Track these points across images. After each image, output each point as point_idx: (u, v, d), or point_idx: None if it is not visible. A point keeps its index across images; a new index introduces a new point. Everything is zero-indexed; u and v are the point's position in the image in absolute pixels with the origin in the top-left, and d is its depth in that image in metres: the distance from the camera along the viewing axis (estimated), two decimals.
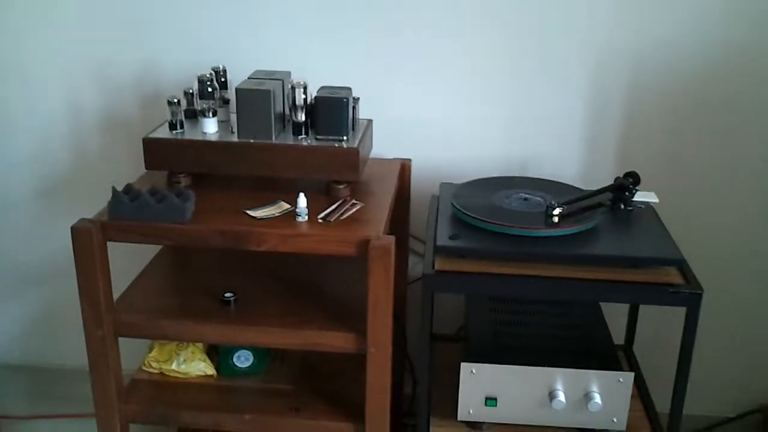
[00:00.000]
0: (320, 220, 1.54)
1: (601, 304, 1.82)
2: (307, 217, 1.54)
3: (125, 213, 1.52)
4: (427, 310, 1.52)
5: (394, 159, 1.91)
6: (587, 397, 1.55)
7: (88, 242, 1.51)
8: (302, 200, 1.53)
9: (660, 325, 1.99)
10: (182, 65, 1.95)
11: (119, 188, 1.56)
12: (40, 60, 2.01)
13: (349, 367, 1.80)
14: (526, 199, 1.64)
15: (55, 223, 2.16)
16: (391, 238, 1.47)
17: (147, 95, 2.01)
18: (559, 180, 1.77)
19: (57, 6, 1.96)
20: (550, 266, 1.48)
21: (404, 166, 1.89)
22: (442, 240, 1.51)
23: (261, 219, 1.54)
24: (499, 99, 1.92)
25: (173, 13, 1.93)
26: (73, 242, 1.51)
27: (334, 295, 1.71)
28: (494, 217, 1.54)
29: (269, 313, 1.62)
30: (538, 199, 1.64)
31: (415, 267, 2.06)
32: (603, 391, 1.55)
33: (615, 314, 1.86)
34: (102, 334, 1.58)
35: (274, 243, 1.50)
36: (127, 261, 1.93)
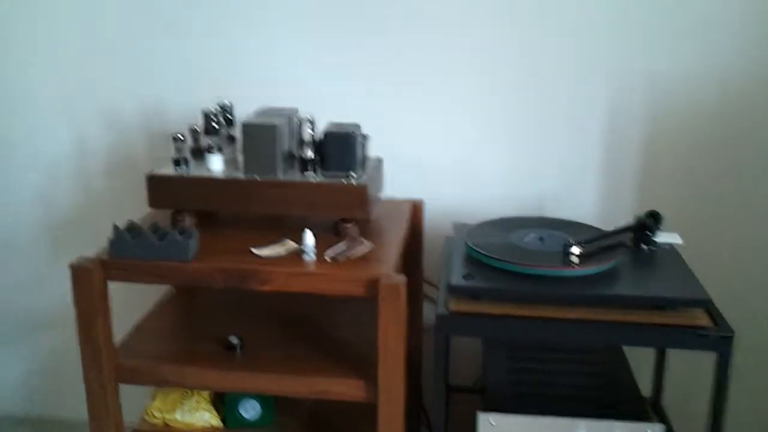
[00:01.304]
0: (328, 259, 1.47)
1: (626, 350, 1.73)
2: (314, 256, 1.47)
3: (126, 251, 1.47)
4: (441, 355, 1.44)
5: (405, 199, 1.85)
6: None
7: (88, 281, 1.46)
8: (309, 237, 1.47)
9: (689, 372, 1.89)
10: (189, 104, 1.92)
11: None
12: (46, 100, 1.99)
13: (361, 418, 1.71)
14: (542, 238, 1.57)
15: (58, 267, 2.10)
16: (402, 277, 1.40)
17: (154, 134, 1.98)
18: (577, 221, 1.70)
19: (63, 47, 1.95)
20: (569, 308, 1.40)
21: (416, 207, 1.83)
22: (456, 279, 1.44)
23: (266, 258, 1.48)
24: (513, 138, 1.87)
25: (179, 51, 1.91)
26: (72, 281, 1.46)
27: (344, 340, 1.64)
28: (510, 256, 1.46)
29: (276, 358, 1.55)
30: (556, 238, 1.56)
31: (431, 314, 1.98)
32: None
33: (641, 361, 1.76)
34: (102, 380, 1.51)
35: (279, 282, 1.43)
36: (132, 305, 1.88)
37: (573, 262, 1.45)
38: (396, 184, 1.88)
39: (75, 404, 2.11)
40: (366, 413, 1.71)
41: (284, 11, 1.86)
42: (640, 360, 1.77)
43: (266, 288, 1.44)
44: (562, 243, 1.50)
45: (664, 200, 1.82)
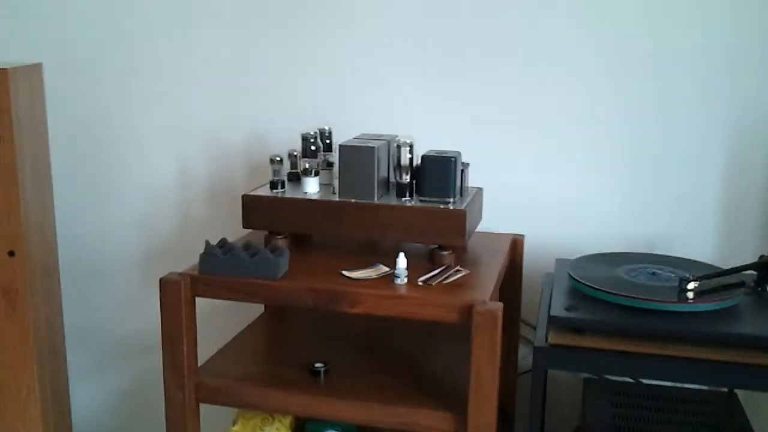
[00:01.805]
0: (420, 283, 1.40)
1: (743, 401, 1.57)
2: (406, 280, 1.41)
3: (216, 267, 1.45)
4: (538, 392, 1.33)
5: (505, 234, 1.77)
6: None
7: (176, 296, 1.43)
8: (402, 261, 1.41)
9: None
10: (292, 135, 1.91)
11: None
12: (152, 128, 2.03)
13: None
14: (654, 273, 1.45)
15: (152, 294, 2.11)
16: (499, 305, 1.31)
17: (254, 163, 1.98)
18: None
19: (169, 80, 1.98)
20: (683, 346, 1.27)
21: (516, 242, 1.74)
22: (558, 311, 1.34)
23: (357, 279, 1.42)
24: (624, 176, 1.76)
25: (281, 80, 1.92)
26: (160, 295, 1.45)
27: (434, 371, 1.55)
28: (618, 289, 1.35)
29: (361, 387, 1.48)
30: (670, 274, 1.44)
31: (527, 358, 1.87)
32: None
33: (756, 411, 1.59)
34: (182, 398, 1.47)
35: (369, 305, 1.37)
36: (222, 329, 1.86)
37: (689, 298, 1.33)
38: (496, 219, 1.80)
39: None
40: None
41: (390, 46, 1.84)
42: (756, 410, 1.60)
43: (356, 310, 1.38)
44: (678, 278, 1.37)
45: None
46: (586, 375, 1.73)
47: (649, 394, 1.61)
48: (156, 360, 2.12)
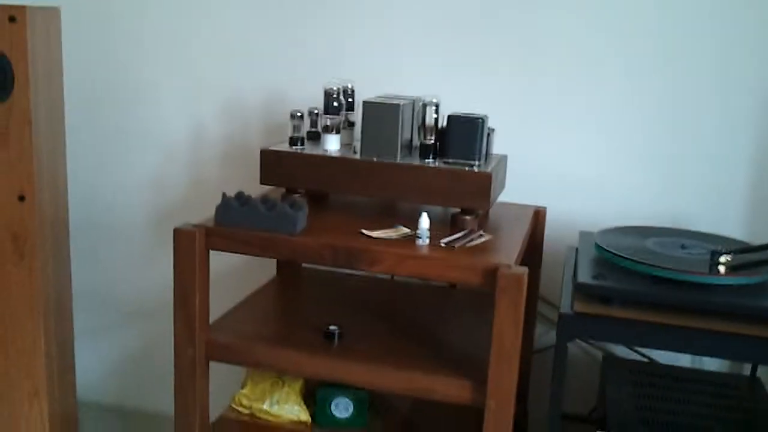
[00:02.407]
0: (443, 245, 1.35)
1: (766, 383, 1.53)
2: (428, 241, 1.36)
3: (233, 219, 1.40)
4: (560, 362, 1.29)
5: (527, 205, 1.72)
6: None
7: (190, 247, 1.39)
8: (425, 221, 1.36)
9: None
10: (311, 95, 1.87)
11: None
12: (169, 91, 1.98)
13: (462, 428, 1.57)
14: (684, 246, 1.40)
15: (161, 254, 2.08)
16: (524, 269, 1.27)
17: (272, 124, 1.93)
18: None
19: (187, 42, 1.94)
20: (711, 319, 1.23)
21: (538, 214, 1.70)
22: (585, 278, 1.29)
23: (377, 239, 1.37)
24: (649, 147, 1.71)
25: (303, 41, 1.87)
26: (174, 246, 1.40)
27: (451, 339, 1.50)
28: (648, 259, 1.31)
29: (376, 351, 1.43)
30: (699, 248, 1.40)
31: (544, 336, 1.83)
32: None
33: None
34: (193, 354, 1.43)
35: (389, 264, 1.32)
36: (233, 291, 1.82)
37: (721, 271, 1.28)
38: (517, 191, 1.75)
39: (164, 397, 2.08)
40: (467, 421, 1.57)
41: (416, 7, 1.78)
42: None
43: (375, 269, 1.33)
44: (709, 251, 1.33)
45: None
46: (604, 353, 1.68)
47: (670, 374, 1.57)
48: (163, 322, 2.10)
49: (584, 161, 1.75)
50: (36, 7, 1.46)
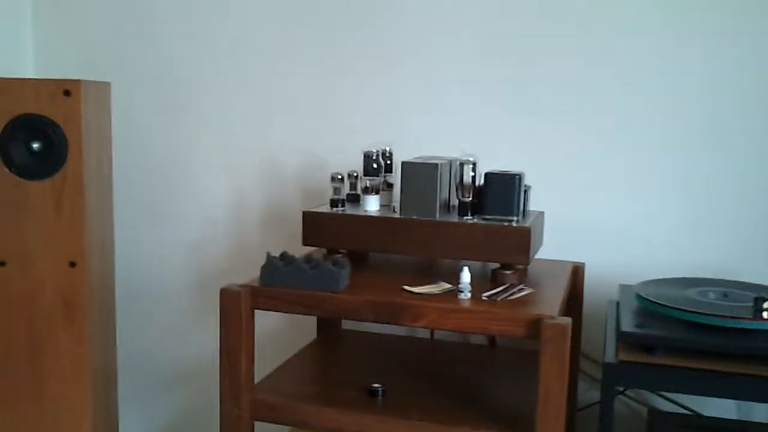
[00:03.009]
0: (485, 298, 1.37)
1: None
2: (470, 295, 1.38)
3: (278, 278, 1.44)
4: (608, 413, 1.29)
5: (566, 261, 1.74)
6: None
7: (236, 307, 1.42)
8: (466, 275, 1.38)
9: None
10: (348, 159, 1.92)
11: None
12: (206, 154, 2.05)
13: None
14: (726, 294, 1.41)
15: (204, 321, 2.11)
16: (568, 319, 1.28)
17: (310, 190, 1.98)
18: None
19: (229, 107, 2.01)
20: (756, 366, 1.22)
21: (577, 270, 1.71)
22: (628, 327, 1.30)
23: (420, 294, 1.40)
24: (686, 200, 1.73)
25: (341, 106, 1.93)
26: (220, 306, 1.43)
27: (494, 397, 1.50)
28: (691, 306, 1.31)
29: (420, 408, 1.44)
30: (742, 297, 1.40)
31: (587, 393, 1.82)
32: None
33: None
34: (238, 414, 1.44)
35: (432, 318, 1.34)
36: (275, 353, 1.84)
37: (765, 317, 1.28)
38: (555, 247, 1.78)
39: None
40: None
41: (447, 66, 1.85)
42: None
43: (418, 324, 1.35)
44: (752, 297, 1.33)
45: None
46: (649, 408, 1.67)
47: (719, 426, 1.54)
48: (205, 387, 2.11)
49: (622, 216, 1.77)
50: (89, 81, 1.54)
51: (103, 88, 1.62)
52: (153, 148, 2.09)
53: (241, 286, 1.44)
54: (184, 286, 2.12)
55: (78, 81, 1.52)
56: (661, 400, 1.74)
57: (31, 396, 1.62)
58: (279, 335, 2.04)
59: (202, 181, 2.07)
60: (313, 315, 1.42)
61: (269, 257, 1.46)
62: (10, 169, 1.55)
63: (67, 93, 1.52)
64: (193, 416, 2.17)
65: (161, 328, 2.16)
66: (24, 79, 1.53)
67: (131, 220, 2.13)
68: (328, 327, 1.90)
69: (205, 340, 2.11)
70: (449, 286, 1.45)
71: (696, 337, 1.26)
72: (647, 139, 1.74)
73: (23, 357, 1.62)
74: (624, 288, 1.59)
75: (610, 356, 1.29)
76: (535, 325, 1.28)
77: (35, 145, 1.54)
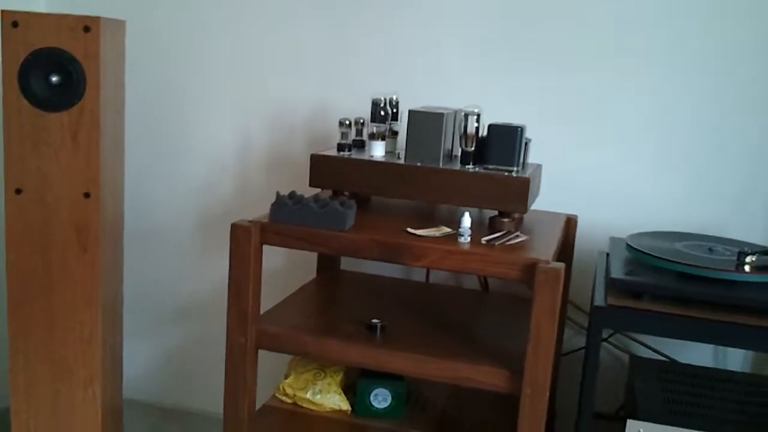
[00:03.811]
0: (484, 242, 1.45)
1: None
2: (470, 239, 1.45)
3: (286, 216, 1.50)
4: (593, 355, 1.37)
5: (559, 213, 1.81)
6: None
7: (246, 242, 1.49)
8: (467, 220, 1.46)
9: None
10: (352, 107, 1.98)
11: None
12: (216, 96, 2.09)
13: (498, 422, 1.65)
14: (711, 249, 1.49)
15: (208, 259, 2.18)
16: (561, 264, 1.35)
17: (316, 136, 2.03)
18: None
19: (236, 47, 2.05)
20: (736, 314, 1.31)
21: (570, 221, 1.79)
22: (617, 273, 1.38)
23: (421, 236, 1.47)
24: (678, 159, 1.80)
25: (346, 56, 1.98)
26: (231, 240, 1.50)
27: (488, 334, 1.59)
28: (678, 258, 1.39)
29: (417, 342, 1.52)
30: (726, 251, 1.48)
31: (572, 340, 1.91)
32: None
33: None
34: (244, 342, 1.52)
35: (433, 259, 1.42)
36: (275, 290, 1.91)
37: (747, 270, 1.36)
38: (550, 200, 1.85)
39: (200, 394, 2.17)
40: (501, 413, 1.65)
41: (455, 24, 1.90)
42: None
43: (420, 264, 1.43)
44: (736, 252, 1.41)
45: None
46: (630, 355, 1.76)
47: (695, 373, 1.64)
48: (204, 323, 2.19)
49: (615, 172, 1.84)
50: (107, 18, 1.58)
51: (119, 26, 1.66)
52: (161, 91, 2.13)
53: (251, 221, 1.51)
54: (188, 223, 2.19)
55: (97, 18, 1.56)
56: (641, 348, 1.84)
57: (44, 323, 1.69)
58: (280, 274, 2.11)
59: (210, 126, 2.12)
60: (319, 252, 1.49)
61: (279, 196, 1.53)
62: (29, 100, 1.59)
63: (86, 29, 1.55)
64: (190, 350, 2.25)
65: (165, 265, 2.23)
66: (45, 14, 1.56)
67: (139, 157, 2.18)
68: (327, 267, 1.98)
69: (207, 278, 2.19)
70: (449, 230, 1.52)
71: (681, 285, 1.34)
72: (641, 98, 1.80)
73: (37, 283, 1.68)
74: (614, 240, 1.67)
75: (599, 300, 1.37)
76: (531, 269, 1.36)
77: (54, 79, 1.58)
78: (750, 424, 1.41)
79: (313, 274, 1.99)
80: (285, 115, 2.06)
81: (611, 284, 1.38)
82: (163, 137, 2.16)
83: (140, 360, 2.30)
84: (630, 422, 1.38)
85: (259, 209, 2.08)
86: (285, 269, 2.12)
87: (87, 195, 1.63)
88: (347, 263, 2.03)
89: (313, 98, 2.03)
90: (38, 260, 1.67)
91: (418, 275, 2.00)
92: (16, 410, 1.76)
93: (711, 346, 1.80)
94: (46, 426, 1.75)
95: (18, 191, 1.64)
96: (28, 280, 1.68)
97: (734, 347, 1.31)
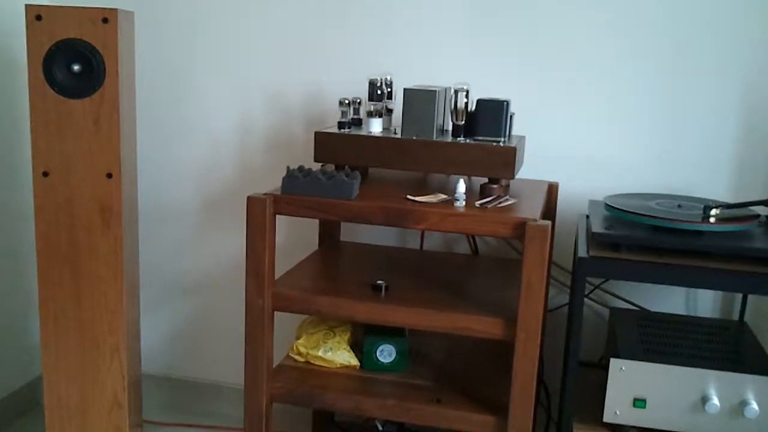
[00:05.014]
0: (477, 206, 1.60)
1: (754, 329, 1.78)
2: (465, 203, 1.61)
3: (297, 187, 1.65)
4: (578, 302, 1.54)
5: (542, 180, 1.98)
6: (743, 403, 1.50)
7: (261, 213, 1.63)
8: (461, 186, 1.61)
9: None
10: (346, 88, 2.12)
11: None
12: (216, 81, 2.23)
13: (492, 371, 1.82)
14: (680, 205, 1.66)
15: (212, 236, 2.32)
16: (548, 222, 1.52)
17: (313, 118, 2.18)
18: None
19: (234, 34, 2.19)
20: (704, 259, 1.49)
21: (552, 188, 1.95)
22: (597, 228, 1.55)
23: (421, 203, 1.62)
24: (650, 127, 1.97)
25: (339, 40, 2.12)
26: (247, 213, 1.64)
27: (481, 292, 1.75)
28: (650, 212, 1.56)
29: (418, 298, 1.68)
30: (694, 207, 1.66)
31: (556, 297, 2.08)
32: (760, 399, 1.50)
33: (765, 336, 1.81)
34: (262, 304, 1.67)
35: (433, 221, 1.57)
36: (283, 262, 2.05)
37: (712, 221, 1.54)
38: (533, 169, 2.01)
39: (210, 366, 2.31)
40: (497, 363, 1.82)
41: (444, 3, 2.05)
42: (763, 336, 1.81)
43: (421, 227, 1.58)
44: (702, 206, 1.58)
45: None
46: (610, 309, 1.93)
47: (670, 320, 1.82)
48: (206, 299, 2.33)
49: (592, 142, 2.00)
50: (122, 9, 1.71)
51: (130, 16, 1.79)
52: (164, 77, 2.26)
53: (265, 194, 1.65)
54: (191, 204, 2.32)
55: (114, 9, 1.69)
56: (620, 302, 2.02)
57: (71, 295, 1.83)
58: (282, 250, 2.26)
59: (211, 109, 2.25)
60: (330, 218, 1.64)
61: (289, 169, 1.67)
62: (53, 89, 1.72)
63: (105, 20, 1.69)
64: (197, 324, 2.39)
65: (167, 243, 2.36)
66: (66, 6, 1.69)
67: (143, 140, 2.31)
68: (328, 239, 2.13)
69: (209, 255, 2.33)
70: (445, 196, 1.68)
71: (654, 237, 1.51)
72: (616, 68, 1.96)
73: (64, 259, 1.81)
74: (593, 202, 1.84)
75: (582, 253, 1.54)
76: (521, 227, 1.52)
77: (76, 68, 1.71)
78: (714, 359, 1.58)
79: (313, 249, 2.13)
80: (281, 97, 2.20)
81: (592, 238, 1.54)
82: (165, 121, 2.28)
83: (149, 335, 2.44)
84: (613, 360, 1.55)
85: (260, 188, 2.22)
86: (287, 245, 2.26)
87: (109, 175, 1.77)
88: (346, 235, 2.19)
89: (306, 81, 2.17)
90: (65, 237, 1.80)
91: (413, 243, 2.16)
92: (48, 379, 1.89)
93: (683, 297, 1.98)
94: (76, 394, 1.89)
95: (45, 174, 1.77)
96: (56, 255, 1.82)
97: (701, 288, 1.48)
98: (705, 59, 1.91)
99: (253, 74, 2.20)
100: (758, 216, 1.61)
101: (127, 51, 1.77)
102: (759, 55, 1.88)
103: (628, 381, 1.55)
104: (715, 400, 1.50)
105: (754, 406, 1.49)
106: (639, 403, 1.55)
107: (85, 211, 1.79)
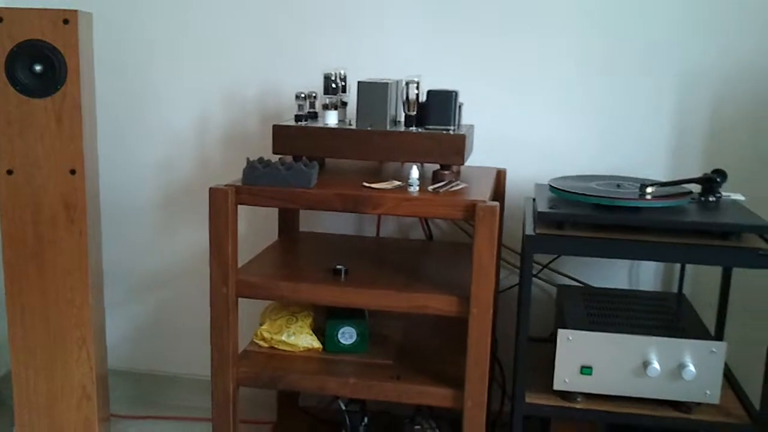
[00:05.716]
0: (430, 190, 1.70)
1: (690, 297, 1.90)
2: (418, 188, 1.70)
3: (258, 178, 1.72)
4: (527, 278, 1.64)
5: (490, 167, 2.08)
6: (681, 366, 1.62)
7: (223, 203, 1.70)
8: (415, 172, 1.70)
9: (748, 320, 2.05)
10: (299, 84, 2.20)
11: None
12: (172, 79, 2.28)
13: (448, 350, 1.91)
14: (619, 185, 1.78)
15: (172, 232, 2.37)
16: (496, 203, 1.61)
17: (269, 113, 2.24)
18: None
19: (189, 32, 2.25)
20: (641, 233, 1.60)
21: (500, 173, 2.05)
22: (543, 208, 1.65)
23: (377, 189, 1.71)
24: (590, 112, 2.09)
25: (292, 38, 2.19)
26: (210, 204, 1.70)
27: (438, 272, 1.84)
28: (592, 192, 1.67)
29: (377, 281, 1.76)
30: (632, 187, 1.77)
31: (507, 278, 2.18)
32: (696, 361, 1.61)
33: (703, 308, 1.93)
34: (226, 292, 1.73)
35: (389, 206, 1.66)
36: (244, 253, 2.12)
37: (647, 198, 1.65)
38: (481, 156, 2.11)
39: (173, 359, 2.36)
40: (453, 344, 1.91)
41: (396, 6, 2.14)
42: (700, 306, 1.95)
43: (377, 211, 1.66)
44: (638, 185, 1.70)
45: (732, 163, 2.04)
46: (557, 287, 2.05)
47: (613, 293, 1.94)
48: (168, 294, 2.38)
49: (538, 129, 2.11)
50: (82, 11, 1.76)
51: (88, 17, 1.84)
52: (120, 76, 2.30)
53: (227, 185, 1.72)
54: (151, 201, 2.37)
55: (75, 11, 1.74)
56: (566, 280, 2.13)
57: (38, 290, 1.87)
58: (244, 240, 2.32)
59: (168, 107, 2.30)
60: (290, 207, 1.71)
61: (249, 161, 1.74)
62: (15, 88, 1.76)
63: (66, 21, 1.73)
64: (159, 319, 2.44)
65: (128, 240, 2.40)
66: (27, 8, 1.73)
67: (105, 140, 2.35)
68: (287, 229, 2.20)
69: (169, 251, 2.38)
70: (399, 183, 1.76)
71: (596, 214, 1.62)
72: (560, 60, 2.08)
73: (30, 255, 1.86)
74: (538, 186, 1.94)
75: (529, 231, 1.64)
76: (471, 208, 1.61)
77: (38, 68, 1.76)
78: (654, 327, 1.70)
79: (275, 237, 2.20)
80: (236, 95, 2.26)
81: (538, 217, 1.65)
82: (123, 120, 2.33)
83: (112, 331, 2.48)
84: (560, 331, 1.66)
85: (219, 183, 2.27)
86: (247, 237, 2.32)
87: (73, 172, 1.81)
88: (304, 226, 2.26)
89: (261, 77, 2.24)
90: (31, 233, 1.85)
91: (369, 231, 2.25)
92: (16, 373, 1.93)
93: (626, 272, 2.11)
94: (45, 387, 1.93)
95: (9, 172, 1.81)
96: (22, 251, 1.86)
97: (639, 259, 1.59)
98: (641, 51, 2.03)
99: (209, 71, 2.26)
100: (690, 192, 1.73)
101: (87, 51, 1.82)
102: (691, 46, 2.01)
103: (575, 350, 1.66)
104: (656, 365, 1.61)
105: (691, 368, 1.60)
106: (586, 370, 1.66)
107: (50, 207, 1.83)
